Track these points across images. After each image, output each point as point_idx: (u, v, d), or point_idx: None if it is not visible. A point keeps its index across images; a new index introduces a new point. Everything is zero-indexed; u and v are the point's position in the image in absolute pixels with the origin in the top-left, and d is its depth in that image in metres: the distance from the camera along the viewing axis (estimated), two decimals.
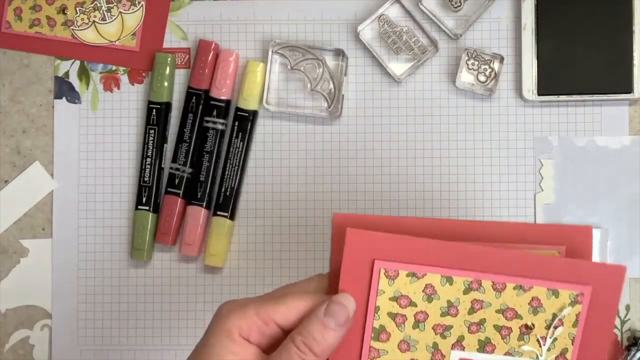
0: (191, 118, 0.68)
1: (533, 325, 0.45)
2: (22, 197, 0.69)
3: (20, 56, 0.70)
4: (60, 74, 0.70)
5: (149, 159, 0.68)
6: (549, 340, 0.46)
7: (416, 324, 0.45)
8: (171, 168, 0.68)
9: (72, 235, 0.69)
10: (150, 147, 0.68)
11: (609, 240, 0.66)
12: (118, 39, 0.70)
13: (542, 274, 0.44)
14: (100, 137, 0.69)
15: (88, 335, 0.68)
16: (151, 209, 0.68)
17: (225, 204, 0.67)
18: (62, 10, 0.70)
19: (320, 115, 0.67)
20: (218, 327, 0.43)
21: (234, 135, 0.67)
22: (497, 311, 0.45)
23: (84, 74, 0.70)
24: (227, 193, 0.67)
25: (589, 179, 0.67)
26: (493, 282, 0.44)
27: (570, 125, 0.67)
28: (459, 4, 0.67)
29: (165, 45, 0.70)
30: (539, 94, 0.66)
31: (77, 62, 0.70)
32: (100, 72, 0.70)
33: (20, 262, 0.69)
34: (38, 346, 0.69)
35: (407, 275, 0.44)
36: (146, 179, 0.68)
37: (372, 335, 0.45)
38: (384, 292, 0.44)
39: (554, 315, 0.45)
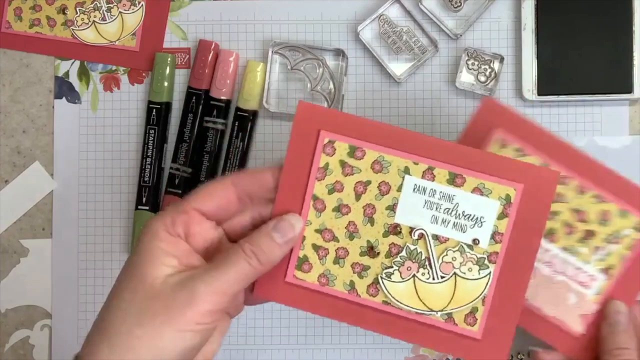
0: (191, 118, 0.68)
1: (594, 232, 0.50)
2: (22, 197, 0.69)
3: (20, 56, 0.70)
4: (60, 74, 0.70)
5: (149, 159, 0.68)
6: (602, 252, 0.51)
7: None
8: (171, 168, 0.68)
9: (72, 235, 0.69)
10: (150, 147, 0.68)
11: None
12: (118, 39, 0.70)
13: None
14: (100, 137, 0.69)
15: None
16: (151, 209, 0.68)
17: None
18: (62, 10, 0.70)
19: None
20: (142, 234, 0.45)
21: (234, 135, 0.67)
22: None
23: (84, 74, 0.70)
24: None
25: None
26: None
27: (570, 125, 0.67)
28: (459, 4, 0.67)
29: (165, 45, 0.70)
30: (539, 94, 0.66)
31: (77, 62, 0.70)
32: (100, 72, 0.70)
33: (20, 262, 0.69)
34: (38, 346, 0.69)
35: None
36: (146, 179, 0.68)
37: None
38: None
39: (615, 232, 0.50)
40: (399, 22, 0.67)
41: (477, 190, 0.47)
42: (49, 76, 0.70)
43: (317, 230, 0.48)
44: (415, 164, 0.47)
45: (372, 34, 0.68)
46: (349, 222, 0.48)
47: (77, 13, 0.70)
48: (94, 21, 0.70)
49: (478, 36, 0.68)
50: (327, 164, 0.48)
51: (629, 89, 0.66)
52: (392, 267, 0.48)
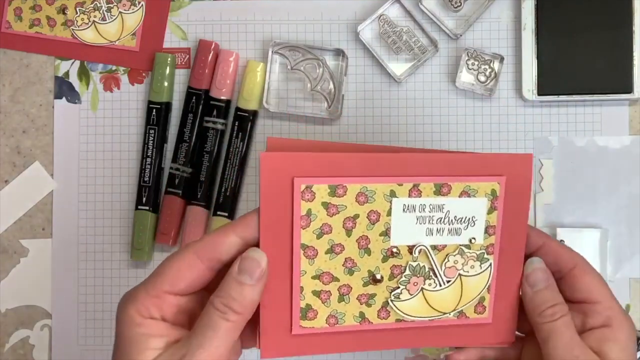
0: (191, 118, 0.68)
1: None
2: (22, 197, 0.69)
3: (20, 56, 0.70)
4: (60, 74, 0.70)
5: (149, 159, 0.68)
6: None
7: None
8: (171, 168, 0.68)
9: (72, 235, 0.69)
10: (150, 147, 0.68)
11: (609, 240, 0.66)
12: (118, 39, 0.70)
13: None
14: (100, 137, 0.69)
15: (88, 336, 0.68)
16: (151, 209, 0.68)
17: (225, 204, 0.67)
18: (62, 10, 0.70)
19: (320, 115, 0.67)
20: (120, 321, 0.44)
21: (234, 135, 0.67)
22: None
23: (84, 74, 0.70)
24: (227, 193, 0.67)
25: (589, 179, 0.67)
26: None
27: (570, 125, 0.67)
28: (459, 4, 0.67)
29: (165, 45, 0.70)
30: (539, 94, 0.66)
31: (77, 62, 0.70)
32: (100, 72, 0.70)
33: (20, 262, 0.69)
34: (38, 346, 0.69)
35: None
36: (146, 179, 0.68)
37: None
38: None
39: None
40: (399, 22, 0.67)
41: (464, 193, 0.47)
42: (49, 76, 0.70)
43: (314, 277, 0.46)
44: (400, 185, 0.46)
45: (372, 34, 0.68)
46: (345, 259, 0.46)
47: (77, 13, 0.70)
48: (94, 21, 0.70)
49: (478, 36, 0.68)
50: (309, 210, 0.45)
51: (629, 89, 0.66)
52: (398, 287, 0.47)
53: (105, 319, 0.68)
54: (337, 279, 0.46)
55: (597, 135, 0.67)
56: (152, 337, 0.43)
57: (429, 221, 0.47)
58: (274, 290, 0.45)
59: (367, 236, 0.46)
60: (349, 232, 0.46)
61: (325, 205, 0.45)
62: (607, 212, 0.67)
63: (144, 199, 0.68)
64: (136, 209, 0.68)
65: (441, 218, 0.47)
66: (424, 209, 0.46)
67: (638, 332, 0.66)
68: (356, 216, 0.46)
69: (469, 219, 0.47)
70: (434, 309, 0.48)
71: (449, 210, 0.47)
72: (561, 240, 0.65)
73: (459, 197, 0.47)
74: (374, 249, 0.46)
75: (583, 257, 0.49)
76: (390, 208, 0.46)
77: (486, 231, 0.47)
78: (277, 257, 0.45)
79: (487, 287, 0.48)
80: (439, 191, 0.46)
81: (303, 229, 0.45)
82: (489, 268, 0.48)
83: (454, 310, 0.48)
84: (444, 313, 0.48)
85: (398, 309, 0.47)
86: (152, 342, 0.43)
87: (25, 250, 0.69)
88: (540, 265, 0.48)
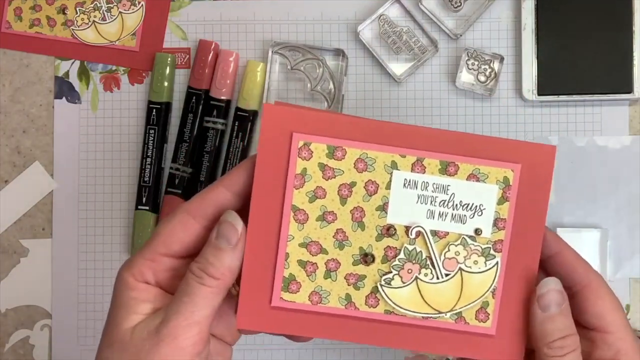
0: (191, 118, 0.68)
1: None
2: (22, 197, 0.69)
3: (20, 56, 0.70)
4: (60, 74, 0.70)
5: (149, 159, 0.68)
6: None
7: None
8: (171, 168, 0.68)
9: (72, 235, 0.69)
10: (150, 147, 0.68)
11: (609, 240, 0.66)
12: (118, 39, 0.70)
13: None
14: (100, 137, 0.69)
15: (88, 336, 0.68)
16: (151, 209, 0.68)
17: None
18: (62, 10, 0.70)
19: None
20: (115, 287, 0.44)
21: (234, 135, 0.67)
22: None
23: (84, 74, 0.70)
24: None
25: (589, 179, 0.67)
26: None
27: (570, 125, 0.67)
28: (459, 4, 0.67)
29: (165, 45, 0.70)
30: (539, 94, 0.66)
31: (77, 62, 0.70)
32: (100, 72, 0.70)
33: (20, 262, 0.69)
34: (38, 346, 0.69)
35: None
36: (146, 179, 0.68)
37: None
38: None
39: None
40: (399, 22, 0.67)
41: (473, 176, 0.43)
42: (49, 76, 0.70)
43: (301, 245, 0.43)
44: (403, 156, 0.43)
45: (372, 34, 0.68)
46: (337, 230, 0.43)
47: (77, 13, 0.70)
48: (94, 21, 0.70)
49: (478, 36, 0.68)
50: (304, 170, 0.43)
51: (629, 89, 0.66)
52: (390, 272, 0.43)
53: (105, 319, 0.68)
54: (326, 251, 0.43)
55: (597, 135, 0.67)
56: (141, 302, 0.42)
57: (431, 202, 0.43)
58: (258, 253, 0.43)
59: (362, 208, 0.43)
60: (343, 201, 0.43)
61: (322, 167, 0.43)
62: (607, 212, 0.67)
63: (144, 199, 0.68)
64: (136, 209, 0.68)
65: (445, 201, 0.43)
66: (426, 187, 0.43)
67: (638, 333, 0.66)
68: (353, 184, 0.43)
69: (476, 206, 0.43)
70: (428, 304, 0.44)
71: (454, 194, 0.43)
72: None
73: (467, 179, 0.43)
74: (369, 223, 0.43)
75: (599, 274, 0.44)
76: (390, 181, 0.43)
77: (495, 224, 0.44)
78: (267, 217, 0.43)
79: (491, 290, 0.44)
80: (444, 170, 0.43)
81: (296, 189, 0.43)
82: (496, 267, 0.44)
83: (452, 310, 0.44)
84: (440, 312, 0.44)
85: (388, 297, 0.44)
86: (141, 307, 0.42)
87: (25, 250, 0.69)
88: (556, 286, 0.43)
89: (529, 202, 0.43)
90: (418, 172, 0.43)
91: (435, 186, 0.43)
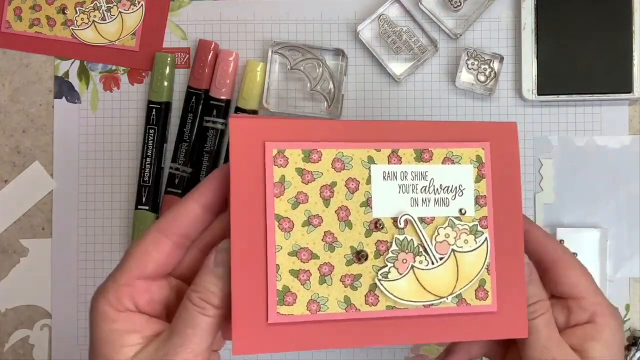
0: (191, 118, 0.68)
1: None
2: (22, 197, 0.69)
3: (20, 56, 0.70)
4: (60, 74, 0.70)
5: (149, 159, 0.68)
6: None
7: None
8: (171, 168, 0.68)
9: (72, 235, 0.69)
10: (150, 147, 0.68)
11: (609, 240, 0.66)
12: (118, 39, 0.70)
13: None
14: (100, 137, 0.69)
15: (88, 335, 0.68)
16: (151, 209, 0.68)
17: None
18: (62, 10, 0.70)
19: (320, 116, 0.67)
20: (93, 321, 0.41)
21: None
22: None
23: (84, 74, 0.70)
24: None
25: (589, 179, 0.67)
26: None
27: (570, 125, 0.67)
28: (459, 4, 0.67)
29: (165, 45, 0.70)
30: (539, 94, 0.66)
31: (77, 62, 0.70)
32: (100, 72, 0.70)
33: (20, 262, 0.69)
34: (38, 346, 0.69)
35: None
36: (146, 179, 0.68)
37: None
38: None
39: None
40: (399, 22, 0.67)
41: (448, 160, 0.45)
42: (49, 76, 0.70)
43: (291, 254, 0.42)
44: (378, 151, 0.44)
45: (372, 34, 0.68)
46: (325, 233, 0.43)
47: (77, 13, 0.70)
48: (94, 21, 0.70)
49: (478, 36, 0.68)
50: (282, 177, 0.42)
51: (629, 89, 0.66)
52: (386, 265, 0.43)
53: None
54: (317, 256, 0.43)
55: (597, 135, 0.67)
56: (127, 333, 0.41)
57: (413, 190, 0.44)
58: (247, 270, 0.41)
59: (347, 207, 0.43)
60: (326, 202, 0.43)
61: (300, 172, 0.43)
62: (607, 212, 0.67)
63: (144, 199, 0.68)
64: (136, 209, 0.68)
65: (426, 187, 0.44)
66: (405, 177, 0.44)
67: (638, 333, 0.66)
68: (334, 184, 0.43)
69: (456, 187, 0.45)
70: (428, 291, 0.44)
71: (433, 179, 0.44)
72: (561, 241, 0.65)
73: (443, 164, 0.44)
74: (356, 221, 0.43)
75: (569, 250, 0.47)
76: (370, 176, 0.44)
77: (477, 202, 0.45)
78: (250, 231, 0.41)
79: (486, 266, 0.44)
80: (420, 157, 0.44)
81: (277, 197, 0.42)
82: (486, 243, 0.45)
83: (452, 294, 0.44)
84: (441, 297, 0.44)
85: (388, 291, 0.43)
86: (129, 338, 0.41)
87: (25, 250, 0.69)
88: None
89: (504, 177, 0.45)
90: (395, 164, 0.44)
91: (414, 174, 0.44)
